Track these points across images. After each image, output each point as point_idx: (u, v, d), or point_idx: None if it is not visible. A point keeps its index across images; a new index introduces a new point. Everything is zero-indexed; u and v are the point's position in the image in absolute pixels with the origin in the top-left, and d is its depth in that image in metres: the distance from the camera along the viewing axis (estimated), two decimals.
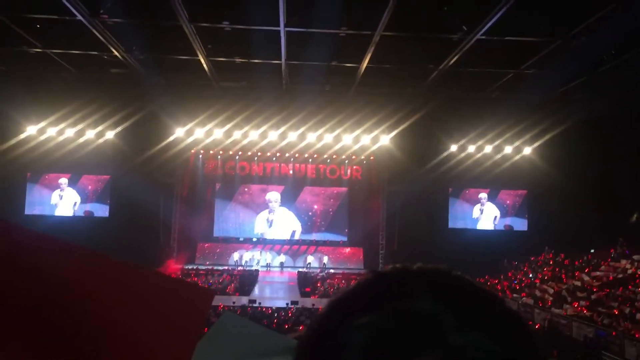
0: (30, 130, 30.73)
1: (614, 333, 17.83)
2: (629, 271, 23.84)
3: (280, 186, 35.76)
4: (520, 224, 34.35)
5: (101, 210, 33.65)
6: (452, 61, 23.49)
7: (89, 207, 33.74)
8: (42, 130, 30.96)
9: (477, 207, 34.58)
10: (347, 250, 35.59)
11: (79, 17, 19.48)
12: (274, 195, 35.51)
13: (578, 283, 24.51)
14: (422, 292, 0.58)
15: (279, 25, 20.04)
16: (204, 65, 25.40)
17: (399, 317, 0.56)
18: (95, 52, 24.76)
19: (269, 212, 35.43)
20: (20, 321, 0.87)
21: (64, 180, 33.63)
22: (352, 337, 0.56)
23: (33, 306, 0.87)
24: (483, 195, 34.52)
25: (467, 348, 0.54)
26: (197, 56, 24.01)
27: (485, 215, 34.60)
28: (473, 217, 34.56)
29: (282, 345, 0.69)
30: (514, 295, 25.53)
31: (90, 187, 33.97)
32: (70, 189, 33.74)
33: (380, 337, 0.55)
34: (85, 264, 0.93)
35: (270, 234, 35.32)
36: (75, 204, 33.73)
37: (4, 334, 0.86)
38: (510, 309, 0.61)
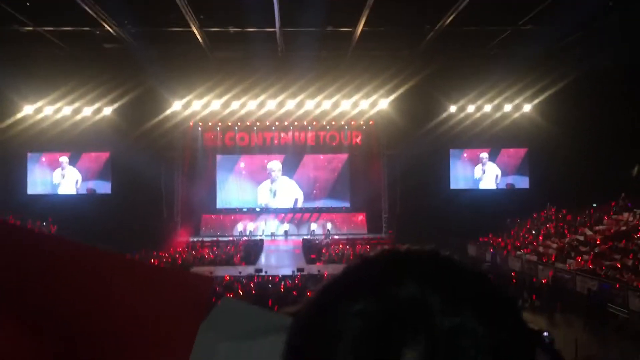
0: (27, 109, 30.61)
1: (617, 285, 18.01)
2: (632, 223, 23.96)
3: (280, 155, 35.72)
4: (522, 182, 34.38)
5: (103, 187, 33.71)
6: (448, 21, 23.22)
7: (91, 184, 33.80)
8: (39, 109, 30.84)
9: (479, 166, 34.58)
10: (351, 215, 35.73)
11: None
12: (275, 165, 35.49)
13: (581, 237, 24.65)
14: (407, 277, 0.58)
15: None
16: (198, 36, 25.17)
17: (386, 304, 0.56)
18: (87, 28, 24.53)
19: (271, 182, 35.48)
20: (19, 320, 0.89)
21: (64, 159, 33.60)
22: (342, 326, 0.57)
23: (31, 305, 0.89)
24: (484, 155, 34.48)
25: (455, 330, 0.54)
26: (190, 27, 23.76)
27: (487, 174, 34.62)
28: (475, 177, 34.59)
29: (278, 324, 0.70)
30: (518, 252, 25.71)
31: (91, 164, 33.96)
32: (71, 167, 33.74)
33: (368, 326, 0.55)
34: (78, 259, 0.93)
35: (273, 203, 35.43)
36: (77, 181, 33.76)
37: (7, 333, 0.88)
38: (499, 289, 0.61)
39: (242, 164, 35.88)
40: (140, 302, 0.92)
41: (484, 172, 34.58)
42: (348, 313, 0.57)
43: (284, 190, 35.54)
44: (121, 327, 0.91)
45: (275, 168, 35.45)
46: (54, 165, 33.61)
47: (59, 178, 33.63)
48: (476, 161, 34.63)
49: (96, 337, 0.89)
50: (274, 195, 35.40)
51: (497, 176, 34.56)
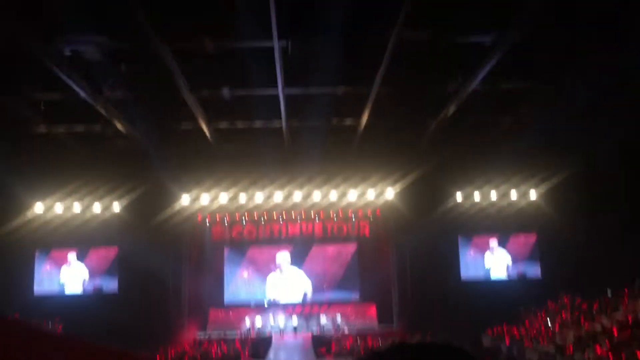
0: (37, 208, 30.96)
1: None
2: None
3: (288, 247, 35.55)
4: (533, 269, 33.83)
5: (110, 284, 33.32)
6: (449, 112, 23.81)
7: (98, 281, 33.47)
8: (49, 207, 31.18)
9: (488, 254, 34.18)
10: (361, 307, 35.02)
11: (83, 95, 19.95)
12: (283, 256, 35.25)
13: (598, 326, 23.94)
14: None
15: (277, 88, 20.47)
16: (206, 132, 25.80)
17: None
18: (99, 127, 25.23)
19: (280, 273, 35.10)
20: None
21: (72, 256, 33.48)
22: None
23: None
24: (494, 243, 34.18)
25: None
26: (199, 124, 24.42)
27: (497, 262, 34.16)
28: (485, 266, 34.11)
29: None
30: (534, 344, 24.91)
31: (99, 260, 33.80)
32: (78, 263, 33.58)
33: None
34: (82, 356, 0.92)
35: (282, 296, 34.88)
36: (84, 280, 33.48)
37: None
38: None
39: (250, 257, 35.64)
40: None
41: (493, 261, 34.14)
42: None
43: (293, 282, 35.09)
44: None
45: (283, 259, 35.18)
46: (61, 262, 33.45)
47: (66, 276, 33.37)
48: (485, 249, 34.30)
49: None
50: (283, 287, 34.92)
51: (508, 266, 34.05)
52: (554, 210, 30.74)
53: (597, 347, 21.31)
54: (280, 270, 35.11)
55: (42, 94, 21.72)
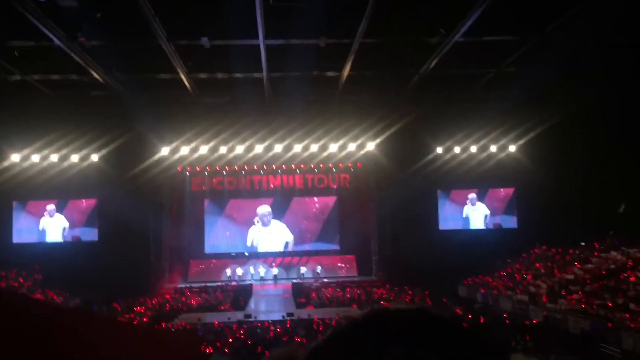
0: (14, 157, 30.51)
1: (609, 325, 17.92)
2: (620, 262, 24.00)
3: (269, 199, 35.69)
4: (510, 222, 34.52)
5: (90, 234, 33.36)
6: (432, 64, 23.67)
7: (77, 231, 33.44)
8: (26, 157, 30.75)
9: (467, 207, 34.73)
10: (340, 258, 35.53)
11: (57, 42, 19.41)
12: (264, 209, 35.42)
13: (571, 277, 24.64)
14: (396, 341, 0.57)
15: (258, 39, 20.09)
16: (186, 83, 25.40)
17: None
18: (75, 76, 24.67)
19: (262, 226, 35.33)
20: None
21: (51, 207, 33.34)
22: None
23: None
24: (472, 196, 34.68)
25: None
26: (178, 74, 23.99)
27: (476, 214, 34.75)
28: (463, 216, 34.69)
29: None
30: (508, 292, 25.61)
31: (78, 211, 33.70)
32: (58, 214, 33.45)
33: None
34: (76, 324, 0.92)
35: (263, 247, 35.21)
36: (64, 229, 33.42)
37: None
38: (489, 347, 0.61)
39: (230, 209, 35.75)
40: None
41: (472, 212, 34.72)
42: None
43: (274, 234, 35.39)
44: None
45: (265, 212, 35.35)
46: (40, 213, 33.30)
47: (45, 226, 33.29)
48: (464, 201, 34.81)
49: None
50: (264, 239, 35.21)
51: (486, 216, 34.70)
52: (532, 163, 31.12)
53: (570, 297, 21.97)
54: (261, 223, 35.33)
55: (15, 42, 21.10)
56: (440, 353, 0.58)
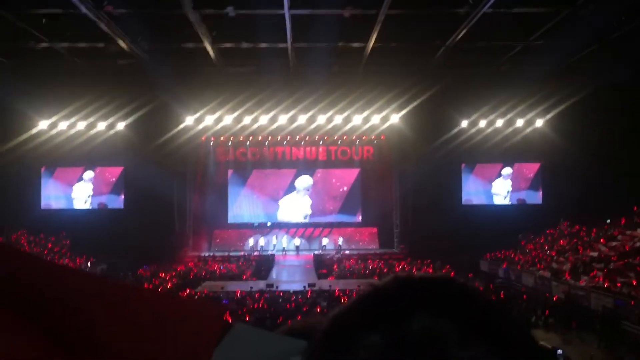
0: (42, 124, 30.94)
1: (632, 302, 17.76)
2: None
3: (292, 170, 35.78)
4: (535, 197, 34.17)
5: (116, 202, 33.92)
6: (459, 36, 23.24)
7: (103, 199, 34.00)
8: (54, 124, 31.18)
9: (499, 180, 34.38)
10: (362, 230, 35.62)
11: (84, 10, 19.46)
12: (307, 180, 35.62)
13: (595, 254, 24.39)
14: (421, 308, 0.57)
15: (283, 9, 19.92)
16: (210, 52, 25.35)
17: (399, 336, 0.55)
18: (102, 44, 24.77)
19: (297, 196, 35.58)
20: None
21: (78, 174, 33.89)
22: (354, 358, 0.56)
23: (35, 337, 0.87)
24: (508, 170, 34.28)
25: None
26: (203, 43, 23.94)
27: (500, 190, 34.45)
28: (491, 191, 34.39)
29: (291, 351, 0.70)
30: (531, 268, 25.47)
31: (104, 179, 34.21)
32: (84, 181, 33.99)
33: (381, 359, 0.55)
34: (86, 289, 0.92)
35: (285, 218, 35.44)
36: (89, 196, 33.99)
37: None
38: (514, 319, 0.61)
39: (253, 179, 35.95)
40: (152, 333, 0.92)
41: (496, 188, 34.41)
42: (360, 345, 0.57)
43: (298, 204, 35.59)
44: (134, 358, 0.90)
45: (307, 185, 35.57)
46: (68, 180, 33.87)
47: (72, 192, 33.87)
48: (490, 176, 34.47)
49: None
50: (290, 209, 35.46)
51: (508, 192, 34.36)
52: (559, 138, 30.60)
53: (592, 274, 21.78)
54: (299, 193, 35.55)
55: (43, 9, 21.21)
56: (464, 324, 0.57)
